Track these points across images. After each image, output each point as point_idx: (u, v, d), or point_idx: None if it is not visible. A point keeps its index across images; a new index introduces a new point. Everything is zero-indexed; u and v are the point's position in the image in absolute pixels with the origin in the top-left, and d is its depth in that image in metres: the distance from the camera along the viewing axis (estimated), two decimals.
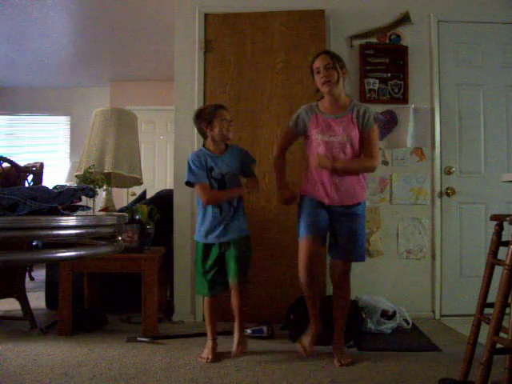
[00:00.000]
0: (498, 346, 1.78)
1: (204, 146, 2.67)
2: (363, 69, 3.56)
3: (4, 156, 3.23)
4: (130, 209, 3.28)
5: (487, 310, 2.03)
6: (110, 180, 3.47)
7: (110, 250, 1.46)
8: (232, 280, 2.58)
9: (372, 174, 2.86)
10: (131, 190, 6.01)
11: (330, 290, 3.02)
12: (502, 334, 1.80)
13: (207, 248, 2.61)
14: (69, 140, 7.07)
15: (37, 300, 3.85)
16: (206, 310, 2.68)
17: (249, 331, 2.95)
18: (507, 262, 1.79)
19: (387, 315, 3.11)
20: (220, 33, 3.50)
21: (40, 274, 5.01)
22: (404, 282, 3.52)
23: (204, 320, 2.88)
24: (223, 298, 2.73)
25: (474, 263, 3.46)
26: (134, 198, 5.05)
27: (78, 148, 5.72)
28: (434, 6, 3.61)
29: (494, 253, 2.06)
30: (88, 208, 1.43)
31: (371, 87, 3.56)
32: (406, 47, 3.57)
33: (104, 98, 6.64)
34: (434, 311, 3.54)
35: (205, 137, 2.65)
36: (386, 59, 3.57)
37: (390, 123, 3.55)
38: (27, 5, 4.19)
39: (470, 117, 3.62)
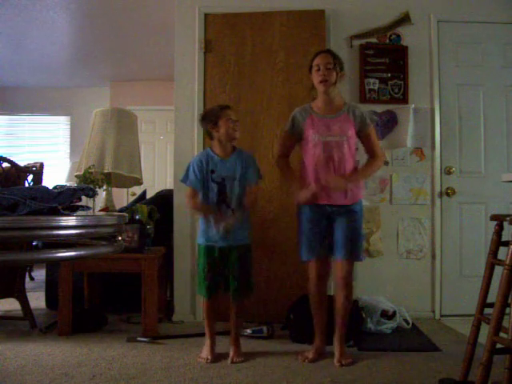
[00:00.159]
0: (498, 345, 1.77)
1: (210, 147, 2.66)
2: (363, 69, 3.56)
3: (4, 156, 3.23)
4: (130, 209, 3.28)
5: (487, 310, 2.03)
6: (110, 180, 3.47)
7: (110, 250, 1.46)
8: (232, 297, 2.61)
9: None
10: (131, 190, 6.00)
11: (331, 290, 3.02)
12: (502, 334, 1.80)
13: (208, 251, 2.60)
14: (69, 140, 7.08)
15: (37, 300, 3.84)
16: (204, 311, 2.68)
17: (249, 331, 2.96)
18: (507, 261, 1.79)
19: (387, 315, 3.11)
20: (220, 33, 3.50)
21: (40, 274, 5.00)
22: (404, 282, 3.52)
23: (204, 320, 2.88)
24: (222, 298, 2.73)
25: (474, 263, 3.46)
26: (134, 198, 5.06)
27: (78, 148, 5.72)
28: (434, 6, 3.61)
29: (494, 253, 2.06)
30: (88, 208, 1.43)
31: (371, 87, 3.56)
32: (406, 47, 3.57)
33: (104, 98, 6.63)
34: (433, 311, 3.54)
35: (211, 138, 2.64)
36: (385, 59, 3.57)
37: (389, 123, 3.55)
38: (27, 5, 4.19)
39: (469, 117, 3.62)
